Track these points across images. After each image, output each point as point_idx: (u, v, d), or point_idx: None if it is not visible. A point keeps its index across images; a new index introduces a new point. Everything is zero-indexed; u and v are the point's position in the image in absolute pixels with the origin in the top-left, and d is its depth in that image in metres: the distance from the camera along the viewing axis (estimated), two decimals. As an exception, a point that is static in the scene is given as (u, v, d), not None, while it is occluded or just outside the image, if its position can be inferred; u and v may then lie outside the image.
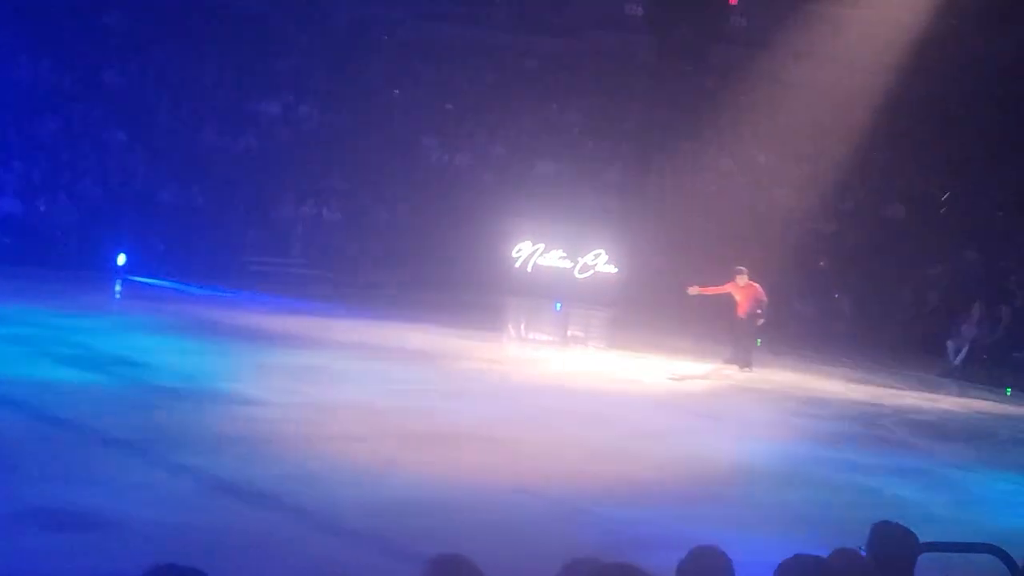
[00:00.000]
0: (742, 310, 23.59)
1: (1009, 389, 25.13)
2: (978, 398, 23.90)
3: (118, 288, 28.37)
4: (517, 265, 31.85)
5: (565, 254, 31.95)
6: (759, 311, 23.53)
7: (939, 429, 20.18)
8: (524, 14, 36.22)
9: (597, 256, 31.86)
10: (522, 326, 30.60)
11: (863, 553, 5.91)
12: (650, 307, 29.37)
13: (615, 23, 37.08)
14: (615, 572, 4.21)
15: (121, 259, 29.55)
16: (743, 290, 23.61)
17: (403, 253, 30.64)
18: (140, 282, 28.56)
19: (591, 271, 31.92)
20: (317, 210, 32.21)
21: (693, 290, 23.88)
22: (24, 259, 27.75)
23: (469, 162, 34.35)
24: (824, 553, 5.54)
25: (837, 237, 31.93)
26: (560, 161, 34.03)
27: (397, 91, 35.15)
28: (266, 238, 31.55)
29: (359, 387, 17.93)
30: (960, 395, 24.20)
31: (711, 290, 23.95)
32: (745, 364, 23.40)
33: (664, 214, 32.23)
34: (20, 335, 19.49)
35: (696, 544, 5.19)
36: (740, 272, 23.65)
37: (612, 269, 31.82)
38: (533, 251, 31.91)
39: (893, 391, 23.57)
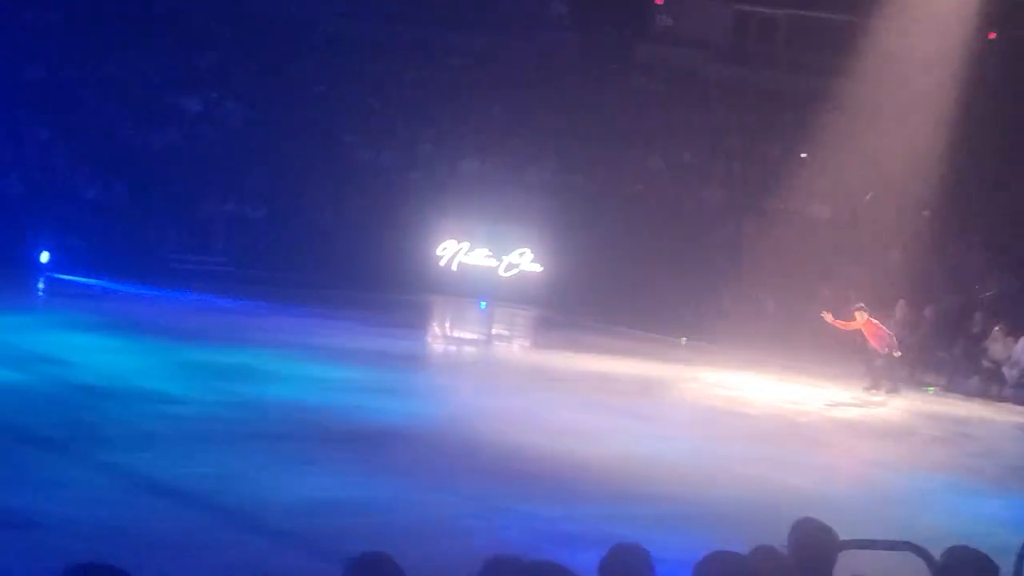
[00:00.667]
0: (876, 345, 23.42)
1: (931, 388, 25.43)
2: (900, 397, 24.15)
3: (41, 286, 28.02)
4: (442, 264, 31.79)
5: (490, 253, 31.94)
6: (892, 346, 23.33)
7: (862, 428, 20.39)
8: (449, 11, 36.15)
9: (522, 255, 31.87)
10: (446, 324, 30.57)
11: (783, 550, 5.95)
12: (576, 306, 29.48)
13: (541, 21, 37.12)
14: (535, 570, 4.21)
15: (44, 257, 29.20)
16: (866, 327, 23.30)
17: (327, 251, 30.46)
18: (63, 279, 28.22)
19: (516, 270, 31.93)
20: (240, 208, 31.98)
21: (827, 317, 23.52)
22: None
23: (394, 160, 34.24)
24: (745, 550, 5.57)
25: (762, 236, 32.13)
26: (486, 159, 34.01)
27: (322, 87, 34.96)
28: (189, 236, 31.29)
29: (285, 385, 17.83)
30: (883, 394, 24.44)
31: (839, 324, 23.57)
32: (892, 388, 23.53)
33: (590, 213, 32.26)
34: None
35: (617, 542, 5.19)
36: (859, 309, 23.41)
37: (537, 268, 31.85)
38: (458, 250, 31.85)
39: (816, 389, 23.78)
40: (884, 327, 23.43)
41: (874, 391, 23.36)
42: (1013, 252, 28.06)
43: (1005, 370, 25.35)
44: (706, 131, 34.40)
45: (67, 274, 28.76)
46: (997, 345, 25.74)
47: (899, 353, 23.40)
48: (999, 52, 29.67)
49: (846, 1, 33.10)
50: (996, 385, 25.34)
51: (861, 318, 23.22)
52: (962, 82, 30.24)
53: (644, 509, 12.88)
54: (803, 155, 33.37)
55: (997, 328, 25.91)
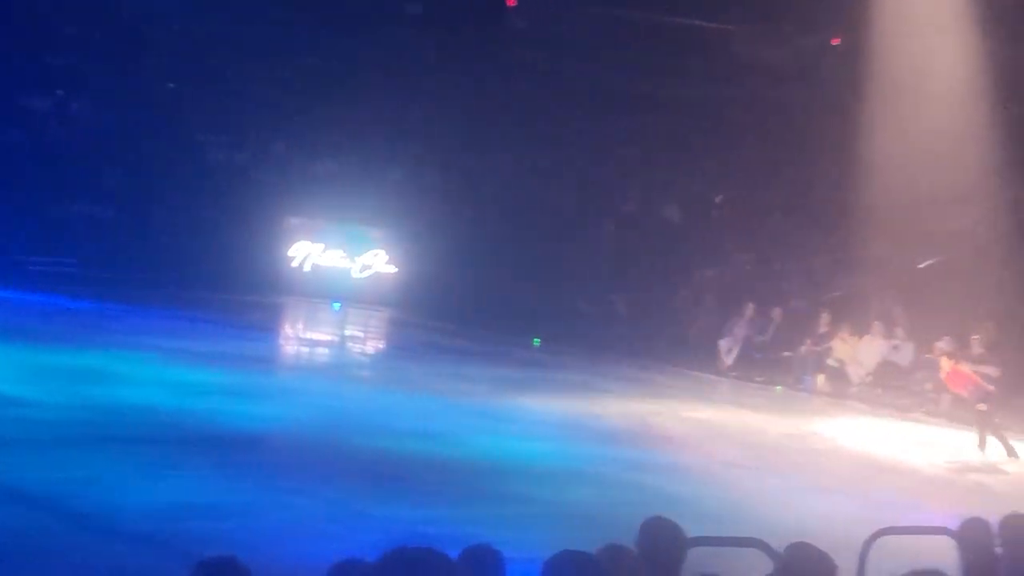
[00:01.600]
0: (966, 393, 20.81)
1: (780, 388, 25.94)
2: (750, 397, 24.61)
3: None
4: (295, 265, 31.58)
5: (345, 254, 31.83)
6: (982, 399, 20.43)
7: (712, 427, 20.72)
8: (304, 9, 35.86)
9: (376, 256, 31.82)
10: (301, 326, 30.39)
11: (633, 549, 6.07)
12: (430, 308, 29.52)
13: (396, 20, 37.03)
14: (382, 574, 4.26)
15: None
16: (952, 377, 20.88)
17: (180, 252, 30.06)
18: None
19: (370, 271, 31.86)
20: (92, 208, 31.45)
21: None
22: None
23: (248, 159, 33.95)
24: (596, 549, 5.67)
25: (617, 238, 32.52)
26: (341, 159, 33.89)
27: (174, 86, 34.48)
28: (40, 236, 30.67)
29: (140, 388, 17.60)
30: (732, 394, 24.89)
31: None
32: (1009, 450, 20.23)
33: (446, 214, 32.35)
34: None
35: (472, 543, 5.26)
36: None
37: (392, 269, 31.82)
38: (311, 251, 31.68)
39: (668, 389, 24.11)
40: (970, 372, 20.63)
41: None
42: (861, 252, 28.74)
43: (850, 369, 26.00)
44: (561, 134, 34.65)
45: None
46: (843, 345, 26.36)
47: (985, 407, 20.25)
48: (843, 58, 30.33)
49: (703, 7, 33.62)
50: (841, 384, 25.96)
51: (947, 366, 20.75)
52: (811, 89, 30.92)
53: (500, 510, 12.97)
54: (658, 156, 33.85)
55: (842, 328, 26.57)
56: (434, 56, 36.32)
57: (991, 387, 20.38)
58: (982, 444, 19.91)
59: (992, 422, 20.14)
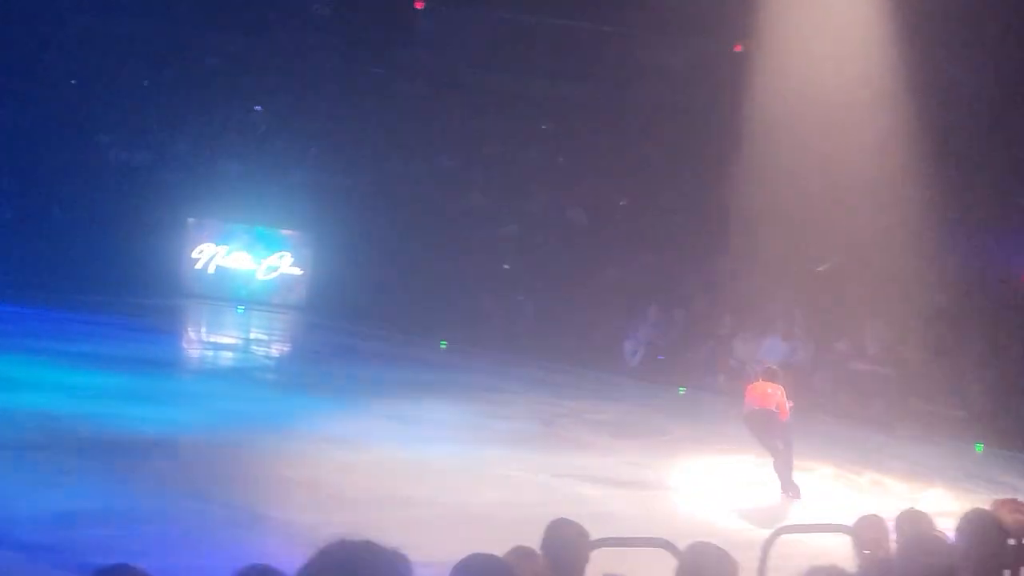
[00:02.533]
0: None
1: (683, 389, 26.10)
2: (653, 397, 24.74)
3: None
4: (198, 266, 31.26)
5: (249, 255, 31.56)
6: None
7: (616, 428, 20.80)
8: (206, 11, 35.44)
9: (282, 258, 31.59)
10: (203, 329, 30.08)
11: (539, 551, 6.06)
12: (337, 310, 29.39)
13: (302, 22, 36.75)
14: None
15: None
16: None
17: (78, 253, 29.59)
18: None
19: (275, 273, 31.63)
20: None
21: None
22: None
23: (149, 160, 33.53)
24: (504, 552, 5.65)
25: (521, 239, 32.55)
26: (246, 161, 33.60)
27: (74, 85, 33.96)
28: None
29: (34, 393, 17.30)
30: (636, 395, 25.00)
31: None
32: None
33: (353, 216, 32.18)
34: None
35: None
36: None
37: (297, 271, 31.62)
38: (216, 252, 31.38)
39: (573, 391, 24.17)
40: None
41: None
42: (761, 255, 29.00)
43: (749, 368, 26.23)
44: (467, 137, 34.62)
45: None
46: (744, 345, 26.60)
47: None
48: (744, 62, 30.56)
49: (606, 12, 33.79)
50: (742, 383, 26.15)
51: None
52: (707, 93, 31.16)
53: (405, 513, 12.91)
54: (560, 160, 33.97)
55: (743, 329, 26.83)
56: (340, 57, 36.09)
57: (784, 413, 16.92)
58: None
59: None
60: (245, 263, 31.52)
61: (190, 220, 31.27)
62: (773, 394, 16.63)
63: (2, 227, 30.57)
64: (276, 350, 28.06)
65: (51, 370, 19.35)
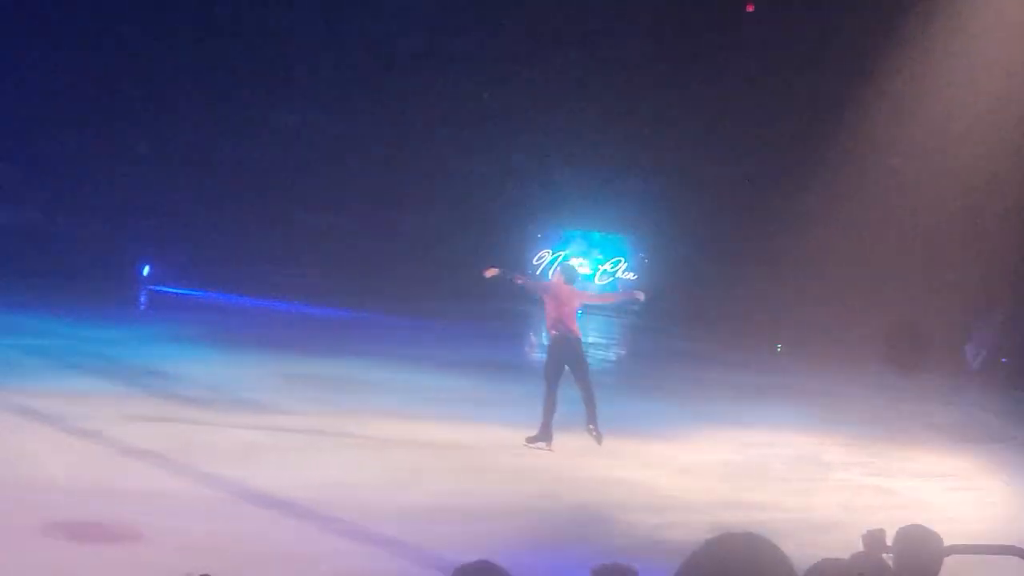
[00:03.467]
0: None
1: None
2: (994, 401, 23.81)
3: (142, 298, 28.66)
4: (537, 273, 31.95)
5: (586, 261, 32.01)
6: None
7: (956, 431, 20.10)
8: (538, 27, 35.79)
9: (617, 264, 31.93)
10: (542, 333, 30.62)
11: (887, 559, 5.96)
12: (670, 314, 29.48)
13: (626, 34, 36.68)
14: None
15: (145, 270, 29.90)
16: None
17: (426, 262, 30.66)
18: (162, 291, 28.79)
19: (611, 278, 31.99)
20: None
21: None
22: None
23: (489, 172, 34.31)
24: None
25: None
26: (581, 168, 34.00)
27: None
28: (284, 249, 31.61)
29: (389, 395, 17.93)
30: (977, 399, 24.09)
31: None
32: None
33: (683, 220, 32.19)
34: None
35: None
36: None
37: (632, 276, 31.89)
38: (554, 258, 31.95)
39: (912, 394, 23.50)
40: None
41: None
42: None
43: None
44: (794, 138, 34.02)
45: (166, 286, 29.44)
46: None
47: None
48: None
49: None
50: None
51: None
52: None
53: (747, 516, 12.82)
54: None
55: None
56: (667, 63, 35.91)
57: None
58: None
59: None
60: (582, 268, 32.00)
61: (534, 232, 31.90)
62: None
63: (350, 237, 31.83)
64: (612, 353, 28.31)
65: (405, 373, 20.19)
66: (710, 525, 11.80)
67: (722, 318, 28.60)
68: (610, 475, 14.30)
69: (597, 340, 29.65)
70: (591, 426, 15.53)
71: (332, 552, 10.40)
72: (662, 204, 32.63)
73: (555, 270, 16.15)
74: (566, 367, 15.51)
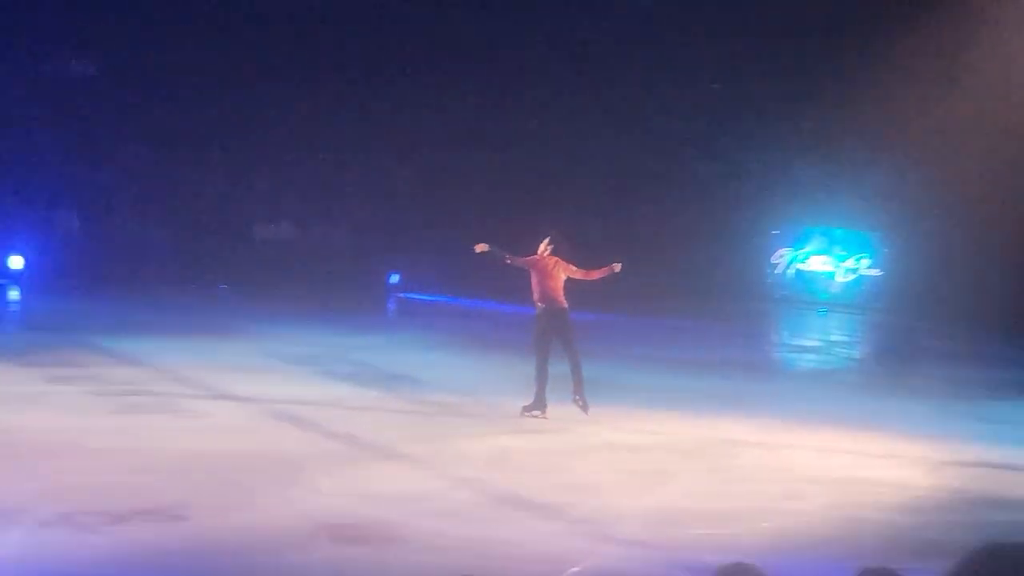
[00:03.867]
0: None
1: None
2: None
3: (391, 306, 29.44)
4: (777, 271, 31.74)
5: (828, 258, 31.59)
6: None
7: None
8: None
9: (860, 260, 31.42)
10: (783, 331, 30.36)
11: None
12: (917, 310, 28.86)
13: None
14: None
15: (394, 278, 30.79)
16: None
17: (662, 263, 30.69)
18: (411, 298, 29.55)
19: (854, 275, 31.50)
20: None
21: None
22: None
23: (725, 171, 34.15)
24: None
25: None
26: (821, 165, 33.55)
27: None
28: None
29: (629, 393, 18.04)
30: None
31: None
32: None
33: (928, 215, 31.49)
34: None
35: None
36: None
37: (876, 272, 31.29)
38: (794, 256, 31.66)
39: None
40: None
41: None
42: None
43: None
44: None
45: (413, 293, 30.21)
46: None
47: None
48: None
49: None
50: None
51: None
52: None
53: (980, 518, 12.49)
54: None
55: None
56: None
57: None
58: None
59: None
60: (824, 266, 31.61)
61: (772, 230, 31.66)
62: None
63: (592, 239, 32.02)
64: (853, 351, 27.90)
65: (650, 376, 20.33)
66: (971, 526, 11.60)
67: (972, 312, 27.81)
68: (855, 474, 14.08)
69: (838, 339, 29.27)
70: (576, 396, 16.12)
71: (585, 553, 10.51)
72: (906, 198, 31.94)
73: (544, 243, 16.40)
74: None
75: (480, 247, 16.30)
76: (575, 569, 10.02)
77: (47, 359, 19.07)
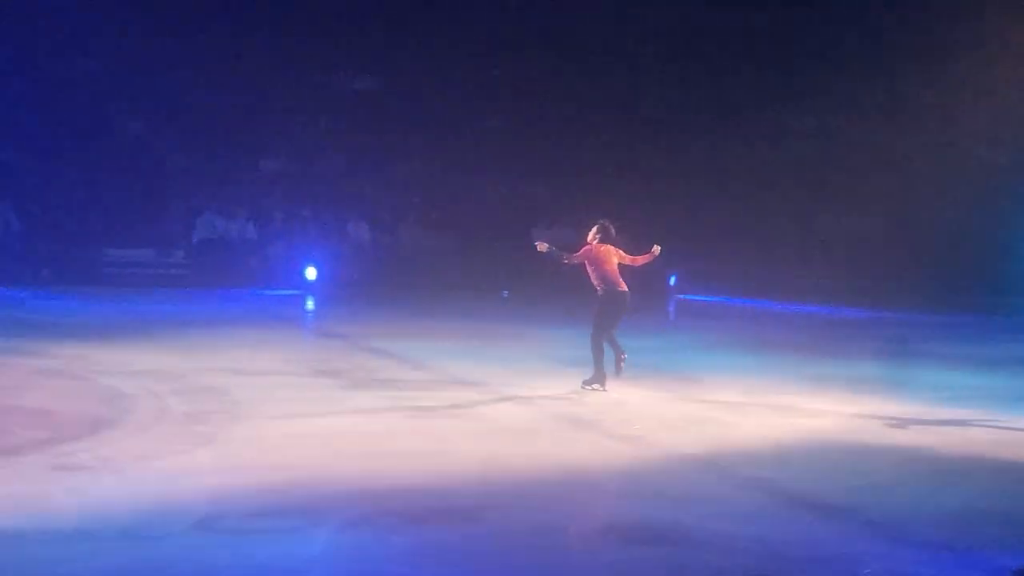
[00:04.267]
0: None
1: None
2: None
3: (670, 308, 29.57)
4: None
5: None
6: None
7: None
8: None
9: None
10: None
11: None
12: None
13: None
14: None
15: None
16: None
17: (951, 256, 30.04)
18: (690, 299, 29.58)
19: None
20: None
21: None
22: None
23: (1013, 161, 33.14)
24: None
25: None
26: None
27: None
28: (810, 252, 31.67)
29: (923, 391, 17.72)
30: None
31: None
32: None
33: None
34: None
35: None
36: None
37: None
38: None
39: None
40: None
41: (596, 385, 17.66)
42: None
43: None
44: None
45: (692, 295, 30.32)
46: None
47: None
48: None
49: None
50: None
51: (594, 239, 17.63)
52: None
53: None
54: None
55: None
56: None
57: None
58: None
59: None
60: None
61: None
62: None
63: (870, 237, 31.49)
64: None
65: (938, 374, 19.92)
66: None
67: None
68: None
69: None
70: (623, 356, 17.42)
71: (874, 555, 10.40)
72: None
73: (592, 231, 17.49)
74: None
75: (541, 246, 17.37)
76: (867, 571, 9.94)
77: (342, 366, 19.86)
